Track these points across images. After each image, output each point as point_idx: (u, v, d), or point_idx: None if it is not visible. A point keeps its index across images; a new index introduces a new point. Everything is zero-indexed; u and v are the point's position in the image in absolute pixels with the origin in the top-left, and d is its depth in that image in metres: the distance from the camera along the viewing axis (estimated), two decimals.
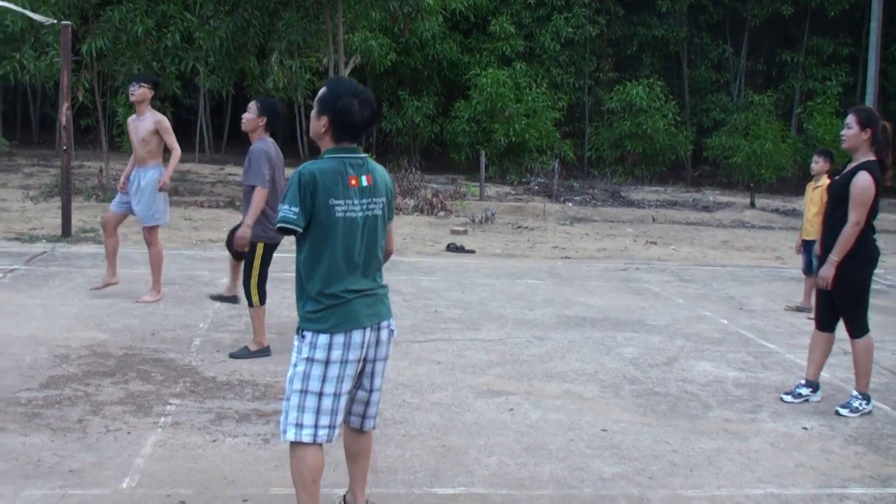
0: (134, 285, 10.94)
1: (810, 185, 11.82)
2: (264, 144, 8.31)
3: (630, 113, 33.72)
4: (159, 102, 23.55)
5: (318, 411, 4.41)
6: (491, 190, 26.98)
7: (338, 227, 4.37)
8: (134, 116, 10.43)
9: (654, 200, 28.21)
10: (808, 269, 11.74)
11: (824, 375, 8.51)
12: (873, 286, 7.67)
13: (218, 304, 9.86)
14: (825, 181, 11.52)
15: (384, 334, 4.60)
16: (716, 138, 33.53)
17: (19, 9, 16.80)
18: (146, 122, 10.17)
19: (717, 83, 38.34)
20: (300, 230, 4.35)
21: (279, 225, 4.34)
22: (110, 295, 10.38)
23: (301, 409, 4.41)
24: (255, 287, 8.24)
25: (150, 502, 5.08)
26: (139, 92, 10.04)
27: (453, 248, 15.69)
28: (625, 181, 33.10)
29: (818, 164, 11.65)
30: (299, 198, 4.31)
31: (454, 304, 10.92)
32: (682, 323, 10.66)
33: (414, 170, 25.90)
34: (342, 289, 4.41)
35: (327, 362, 4.39)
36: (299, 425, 4.41)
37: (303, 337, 4.46)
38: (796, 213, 26.14)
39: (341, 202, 4.37)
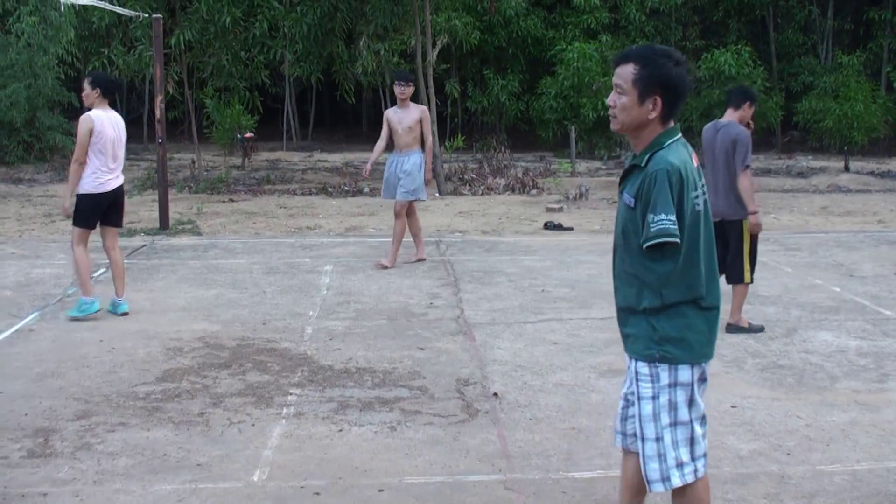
0: (238, 275, 10.91)
1: None
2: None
3: (718, 81, 33.07)
4: (247, 92, 23.70)
5: (692, 442, 3.82)
6: (581, 166, 26.66)
7: (696, 225, 3.73)
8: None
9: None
10: None
11: None
12: None
13: (325, 291, 9.86)
14: None
15: None
16: (805, 102, 32.72)
17: (107, 5, 16.89)
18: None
19: (805, 46, 37.45)
20: (679, 242, 3.65)
21: (660, 240, 3.61)
22: (216, 286, 10.35)
23: (676, 444, 3.79)
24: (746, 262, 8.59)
25: (284, 495, 4.98)
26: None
27: (551, 226, 15.45)
28: None
29: None
30: (673, 203, 3.62)
31: (560, 283, 10.70)
32: (795, 292, 10.33)
33: (503, 149, 25.67)
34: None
35: (692, 384, 3.80)
36: (680, 465, 3.80)
37: (655, 364, 3.79)
38: (892, 175, 25.47)
39: (696, 193, 3.72)
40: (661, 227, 3.58)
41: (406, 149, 11.72)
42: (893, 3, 36.28)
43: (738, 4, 36.09)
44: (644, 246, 3.65)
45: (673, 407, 3.74)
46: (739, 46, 33.19)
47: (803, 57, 36.87)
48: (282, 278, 10.82)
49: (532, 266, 11.76)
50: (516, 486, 5.07)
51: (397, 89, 11.78)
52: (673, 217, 3.58)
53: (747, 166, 8.40)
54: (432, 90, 21.22)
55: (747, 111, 8.71)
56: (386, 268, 11.44)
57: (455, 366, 7.33)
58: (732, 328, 8.55)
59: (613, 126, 3.85)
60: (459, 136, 27.44)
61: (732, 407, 6.45)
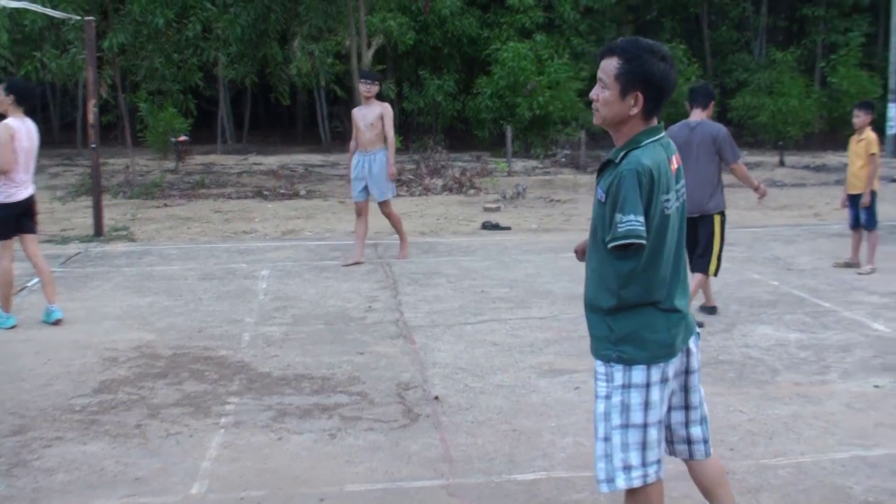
0: (174, 282, 10.79)
1: (854, 139, 11.52)
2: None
3: None
4: (181, 95, 23.47)
5: (644, 447, 3.73)
6: (518, 165, 26.74)
7: (665, 228, 3.65)
8: None
9: None
10: (856, 224, 11.53)
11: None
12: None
13: (262, 296, 9.78)
14: (868, 134, 11.28)
15: (692, 343, 3.91)
16: (740, 98, 33.07)
17: (39, 7, 16.61)
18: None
19: (739, 42, 37.92)
20: (645, 244, 3.57)
21: (627, 241, 3.53)
22: (151, 293, 10.22)
23: (626, 447, 3.71)
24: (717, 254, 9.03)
25: None
26: None
27: (489, 226, 15.46)
28: None
29: (860, 117, 11.36)
30: (641, 203, 3.54)
31: (499, 283, 10.70)
32: (734, 287, 10.42)
33: (439, 149, 25.66)
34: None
35: (647, 386, 3.70)
36: (627, 468, 3.72)
37: (611, 364, 3.74)
38: (827, 169, 25.85)
39: (668, 196, 3.63)
40: (629, 227, 3.51)
41: (370, 146, 12.04)
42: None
43: (673, 3, 36.47)
44: (609, 245, 3.59)
45: (625, 408, 3.68)
46: (674, 44, 33.49)
47: (737, 53, 37.32)
48: (218, 284, 10.70)
49: (471, 267, 11.75)
50: (459, 491, 5.04)
51: (363, 87, 12.12)
52: (641, 218, 3.51)
53: (738, 157, 9.02)
54: None
55: (711, 109, 9.24)
56: (350, 264, 11.84)
57: (395, 370, 7.28)
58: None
59: (595, 120, 3.79)
60: (396, 136, 27.36)
61: None
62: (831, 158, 28.55)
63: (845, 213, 12.00)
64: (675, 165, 3.73)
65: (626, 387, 3.67)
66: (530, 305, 9.57)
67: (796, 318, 8.98)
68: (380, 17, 25.94)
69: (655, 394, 3.69)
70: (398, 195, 19.86)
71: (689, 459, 4.01)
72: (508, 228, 15.39)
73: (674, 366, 3.74)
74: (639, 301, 3.65)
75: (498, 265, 11.87)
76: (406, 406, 6.42)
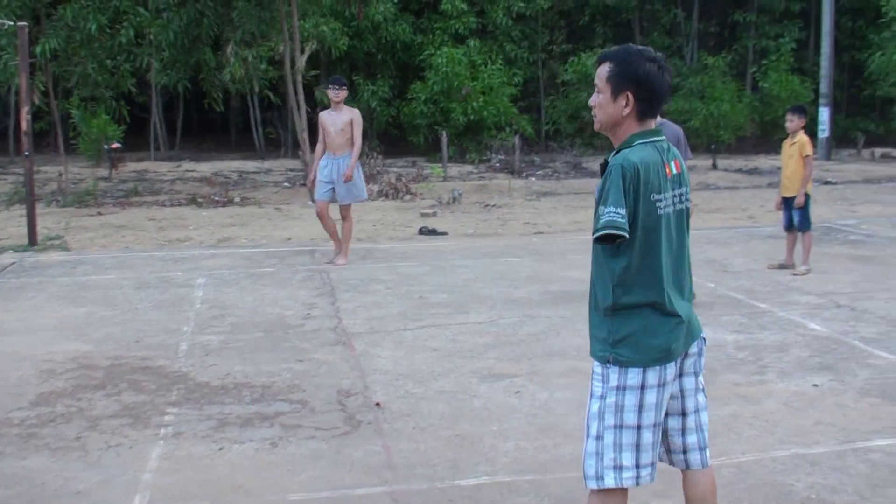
0: (109, 292, 10.68)
1: (787, 142, 11.70)
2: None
3: (586, 84, 33.57)
4: (114, 102, 23.21)
5: (637, 448, 3.74)
6: (453, 170, 26.81)
7: (658, 228, 3.68)
8: None
9: None
10: (790, 226, 11.71)
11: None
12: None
13: (199, 305, 9.72)
14: (802, 137, 11.47)
15: (695, 347, 3.92)
16: (672, 103, 33.43)
17: None
18: None
19: (671, 48, 38.33)
20: (628, 236, 3.59)
21: (605, 232, 3.56)
22: (87, 303, 10.11)
23: (618, 447, 3.73)
24: None
25: None
26: None
27: (425, 232, 15.49)
28: (584, 152, 33.06)
29: (793, 121, 11.54)
30: (624, 197, 3.58)
31: (438, 289, 10.72)
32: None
33: (375, 154, 25.64)
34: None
35: (642, 388, 3.71)
36: (618, 467, 3.74)
37: (608, 365, 3.75)
38: (760, 172, 26.24)
39: (661, 196, 3.66)
40: (609, 218, 3.54)
41: (339, 151, 12.27)
42: (758, 5, 37.41)
43: (604, 9, 36.78)
44: (593, 237, 3.64)
45: (619, 409, 3.69)
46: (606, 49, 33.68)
47: (669, 59, 37.62)
48: (154, 293, 10.61)
49: (409, 272, 11.76)
50: (403, 498, 5.04)
51: (331, 92, 12.30)
52: (623, 211, 3.54)
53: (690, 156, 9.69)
54: (302, 97, 21.09)
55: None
56: (342, 265, 12.26)
57: (335, 377, 7.27)
58: None
59: (595, 126, 3.86)
60: None
61: None
62: (764, 161, 28.99)
63: (779, 216, 12.19)
64: (673, 170, 3.76)
65: (622, 388, 3.69)
66: (469, 310, 9.60)
67: (733, 319, 9.11)
68: (312, 23, 25.82)
69: (650, 397, 3.70)
70: (334, 200, 19.88)
71: (686, 469, 4.00)
72: (445, 234, 15.43)
73: (672, 370, 3.76)
74: (636, 303, 3.67)
75: (436, 270, 11.90)
76: (347, 413, 6.41)
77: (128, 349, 8.21)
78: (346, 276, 11.45)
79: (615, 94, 3.72)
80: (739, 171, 26.45)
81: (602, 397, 3.74)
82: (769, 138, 34.01)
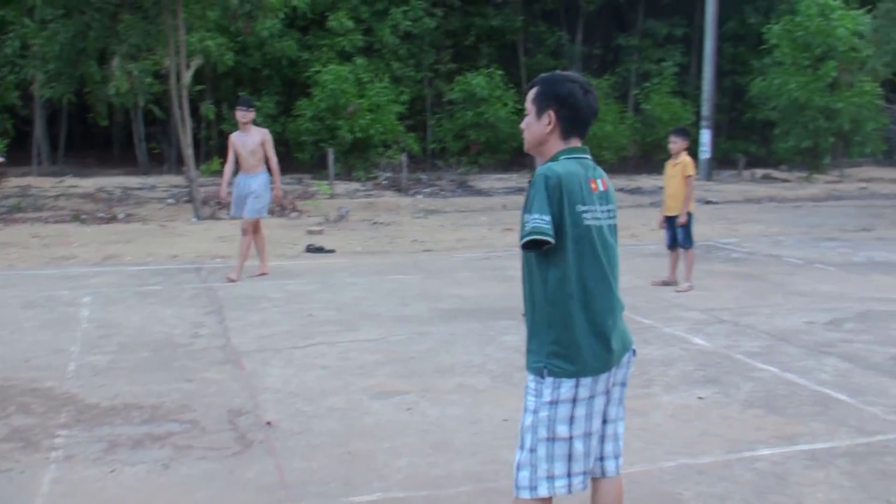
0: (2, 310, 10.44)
1: (669, 163, 11.97)
2: None
3: (471, 103, 33.93)
4: None
5: (570, 458, 3.84)
6: (339, 187, 26.75)
7: (586, 238, 3.80)
8: None
9: (501, 188, 28.42)
10: (672, 244, 11.96)
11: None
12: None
13: (86, 324, 9.56)
14: (684, 158, 11.75)
15: (625, 358, 4.02)
16: None
17: None
18: None
19: (555, 70, 38.73)
20: (553, 242, 3.69)
21: (530, 238, 3.68)
22: None
23: (551, 458, 3.82)
24: None
25: None
26: None
27: (313, 249, 15.44)
28: (470, 171, 33.34)
29: (676, 143, 11.81)
30: (548, 205, 3.70)
31: (327, 306, 10.69)
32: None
33: None
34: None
35: (574, 400, 3.81)
36: (551, 477, 3.83)
37: (542, 378, 3.83)
38: (642, 191, 26.73)
39: (586, 208, 3.79)
40: (534, 225, 3.66)
41: (252, 170, 12.44)
42: (641, 30, 38.22)
43: (489, 30, 37.17)
44: (520, 244, 3.74)
45: (551, 422, 3.77)
46: (492, 70, 34.16)
47: None
48: (40, 312, 10.36)
49: (297, 290, 11.71)
50: None
51: (239, 114, 12.45)
52: (547, 218, 3.66)
53: None
54: (187, 112, 20.83)
55: None
56: (233, 281, 12.22)
57: (225, 396, 7.20)
58: None
59: (525, 147, 4.04)
60: (216, 158, 27.06)
61: (504, 420, 6.56)
62: (646, 181, 29.53)
63: (661, 234, 12.45)
64: (599, 187, 3.89)
65: (554, 402, 3.77)
66: (359, 328, 9.60)
67: None
68: (198, 37, 25.58)
69: (582, 408, 3.80)
70: (220, 219, 19.71)
71: (601, 477, 4.09)
72: (333, 251, 15.40)
73: (604, 381, 3.85)
74: (569, 314, 3.75)
75: (324, 288, 11.87)
76: (239, 433, 6.36)
77: (15, 370, 7.99)
78: (234, 294, 11.35)
79: (539, 113, 3.89)
80: (622, 190, 26.90)
81: (535, 412, 3.82)
82: (651, 159, 34.74)
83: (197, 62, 22.97)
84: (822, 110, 31.71)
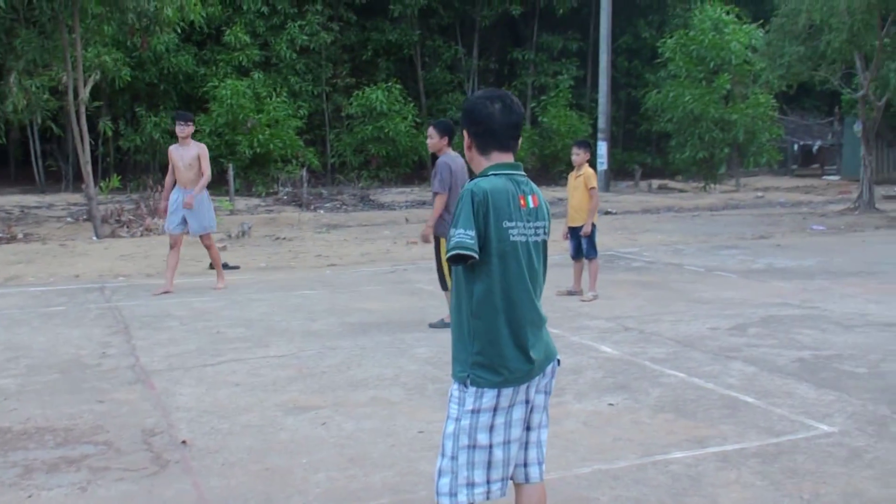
0: None
1: (572, 175, 12.16)
2: (448, 159, 10.10)
3: (371, 117, 33.99)
4: None
5: (489, 465, 3.92)
6: (240, 203, 26.62)
7: (511, 254, 3.86)
8: None
9: (403, 201, 28.53)
10: (577, 254, 12.13)
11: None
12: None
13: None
14: (587, 170, 11.94)
15: (549, 368, 4.07)
16: (457, 137, 34.09)
17: None
18: None
19: (452, 83, 39.17)
20: (477, 257, 3.77)
21: (453, 252, 3.75)
22: None
23: (471, 465, 3.89)
24: (447, 274, 9.91)
25: None
26: None
27: None
28: (371, 185, 33.39)
29: (578, 154, 11.99)
30: (473, 220, 3.78)
31: (235, 323, 10.63)
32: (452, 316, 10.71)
33: (159, 188, 25.16)
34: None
35: (495, 410, 3.88)
36: (471, 484, 3.90)
37: (466, 387, 3.90)
38: None
39: (513, 224, 3.86)
40: (458, 240, 3.74)
41: (189, 185, 12.66)
42: (536, 44, 38.68)
43: (387, 44, 37.25)
44: (446, 258, 3.83)
45: (473, 430, 3.84)
46: (390, 84, 34.25)
47: (451, 94, 38.55)
48: None
49: (203, 307, 11.62)
50: None
51: (178, 129, 12.75)
52: (472, 233, 3.74)
53: None
54: (85, 128, 20.46)
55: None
56: (168, 292, 12.58)
57: (138, 416, 7.11)
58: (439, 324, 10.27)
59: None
60: (115, 175, 26.69)
61: (420, 432, 6.61)
62: (545, 193, 29.51)
63: (565, 245, 12.62)
64: (529, 204, 3.95)
65: (476, 411, 3.84)
66: (268, 344, 9.56)
67: None
68: (95, 52, 25.20)
69: (503, 417, 3.88)
70: (121, 237, 19.45)
71: (524, 483, 4.14)
72: (237, 268, 15.30)
73: (525, 391, 3.92)
74: (494, 326, 3.83)
75: (231, 305, 11.80)
76: (154, 453, 6.29)
77: None
78: (140, 313, 11.21)
79: (463, 132, 4.04)
80: None
81: (457, 419, 3.90)
82: (549, 170, 35.16)
83: (95, 77, 22.62)
84: (716, 122, 32.40)
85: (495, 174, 3.93)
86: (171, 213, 12.70)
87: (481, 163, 4.00)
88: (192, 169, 12.63)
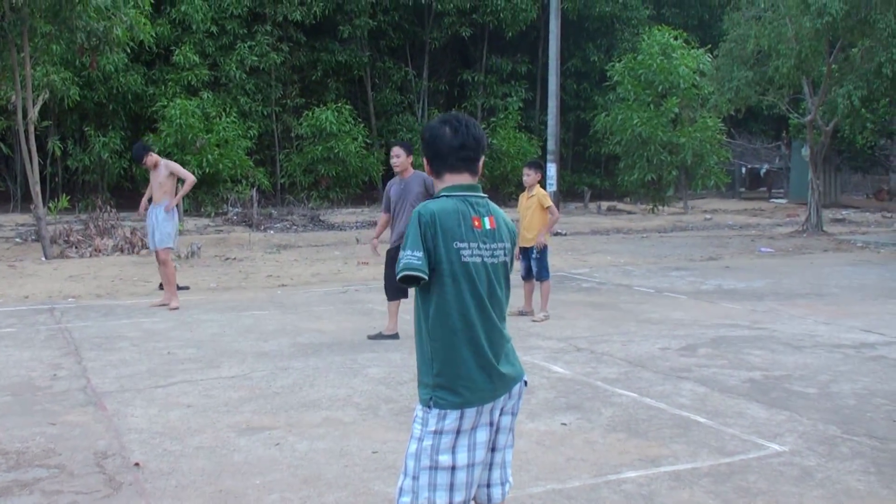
0: None
1: (524, 196, 12.24)
2: (411, 177, 10.77)
3: (321, 138, 33.97)
4: None
5: (451, 488, 3.91)
6: (189, 223, 26.47)
7: (464, 275, 3.88)
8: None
9: (353, 222, 28.52)
10: (528, 275, 12.20)
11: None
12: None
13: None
14: (539, 191, 12.03)
15: (516, 389, 4.08)
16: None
17: None
18: None
19: (402, 104, 39.26)
20: (426, 277, 3.81)
21: (403, 273, 3.79)
22: None
23: (433, 487, 3.89)
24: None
25: None
26: None
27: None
28: (321, 205, 33.35)
29: (530, 175, 12.07)
30: (421, 241, 3.83)
31: (185, 344, 10.58)
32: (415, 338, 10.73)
33: (108, 208, 25.00)
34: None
35: (458, 431, 3.89)
36: None
37: (429, 408, 3.91)
38: None
39: (465, 245, 3.89)
40: (406, 261, 3.79)
41: (157, 202, 13.27)
42: (485, 66, 38.88)
43: (336, 65, 37.26)
44: (397, 279, 3.86)
45: (434, 451, 3.85)
46: (340, 105, 34.26)
47: (401, 115, 38.65)
48: None
49: (153, 328, 11.54)
50: None
51: (145, 160, 13.34)
52: (419, 254, 3.79)
53: None
54: (34, 148, 20.24)
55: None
56: (175, 309, 12.98)
57: (90, 438, 7.06)
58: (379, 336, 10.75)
59: None
60: (63, 196, 26.44)
61: (374, 453, 6.62)
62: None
63: (517, 265, 12.67)
64: (485, 225, 3.98)
65: (438, 432, 3.85)
66: (220, 365, 9.52)
67: None
68: (43, 72, 24.97)
69: (465, 439, 3.89)
70: (70, 258, 19.27)
71: (487, 503, 4.15)
72: (187, 288, 15.21)
73: (488, 413, 3.94)
74: (453, 348, 3.85)
75: (181, 326, 11.73)
76: (107, 475, 6.24)
77: None
78: (90, 335, 11.12)
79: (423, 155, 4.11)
80: None
81: (420, 439, 3.91)
82: (499, 191, 35.27)
83: (44, 97, 22.42)
84: (664, 145, 32.71)
85: (447, 196, 3.98)
86: (148, 229, 13.42)
87: (437, 185, 4.07)
88: (163, 188, 13.22)
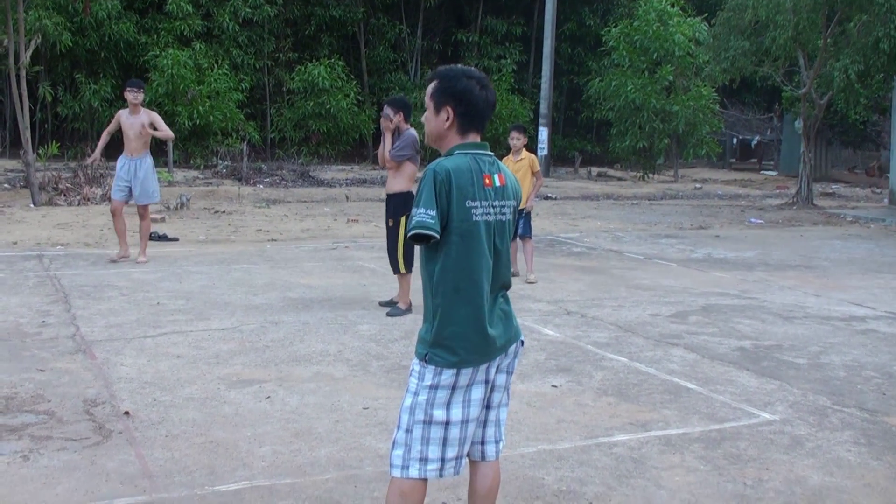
0: None
1: (510, 159, 12.11)
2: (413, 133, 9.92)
3: (312, 93, 33.75)
4: None
5: (444, 442, 3.92)
6: (179, 175, 26.36)
7: (474, 234, 3.84)
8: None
9: (343, 179, 28.44)
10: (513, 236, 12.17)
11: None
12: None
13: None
14: (528, 154, 12.02)
15: (513, 348, 4.10)
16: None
17: None
18: None
19: (395, 62, 39.02)
20: (437, 237, 3.78)
21: (414, 232, 3.76)
22: None
23: (426, 441, 3.91)
24: (401, 257, 9.80)
25: None
26: None
27: (155, 237, 15.14)
28: (311, 161, 33.20)
29: (519, 139, 12.04)
30: (435, 200, 3.79)
31: (175, 295, 10.53)
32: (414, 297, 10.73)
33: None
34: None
35: (453, 388, 3.89)
36: (423, 459, 3.92)
37: (425, 364, 3.90)
38: None
39: (477, 204, 3.85)
40: (419, 219, 3.76)
41: (136, 153, 12.61)
42: (480, 26, 38.66)
43: (330, 20, 36.92)
44: (407, 236, 3.83)
45: (429, 406, 3.85)
46: (333, 60, 34.03)
47: (394, 73, 38.40)
48: None
49: (142, 278, 11.49)
50: None
51: (129, 95, 12.48)
52: (432, 213, 3.75)
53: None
54: (25, 93, 20.06)
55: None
56: (126, 257, 12.75)
57: (80, 386, 7.03)
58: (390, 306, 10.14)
59: (425, 140, 4.11)
60: (53, 142, 26.24)
61: (364, 408, 6.62)
62: None
63: None
64: (495, 182, 3.93)
65: (434, 387, 3.85)
66: (210, 317, 9.49)
67: None
68: (35, 16, 24.71)
69: (461, 395, 3.88)
70: (58, 205, 19.17)
71: (480, 460, 4.17)
72: (176, 240, 15.18)
73: (484, 371, 3.93)
74: (455, 306, 3.83)
75: (171, 277, 11.68)
76: (96, 423, 6.22)
77: None
78: (79, 283, 11.06)
79: (437, 109, 3.97)
80: None
81: (415, 394, 3.91)
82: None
83: (36, 41, 22.17)
84: (657, 112, 32.61)
85: (461, 153, 3.93)
86: (116, 179, 12.64)
87: (453, 141, 3.98)
88: (141, 138, 12.56)
